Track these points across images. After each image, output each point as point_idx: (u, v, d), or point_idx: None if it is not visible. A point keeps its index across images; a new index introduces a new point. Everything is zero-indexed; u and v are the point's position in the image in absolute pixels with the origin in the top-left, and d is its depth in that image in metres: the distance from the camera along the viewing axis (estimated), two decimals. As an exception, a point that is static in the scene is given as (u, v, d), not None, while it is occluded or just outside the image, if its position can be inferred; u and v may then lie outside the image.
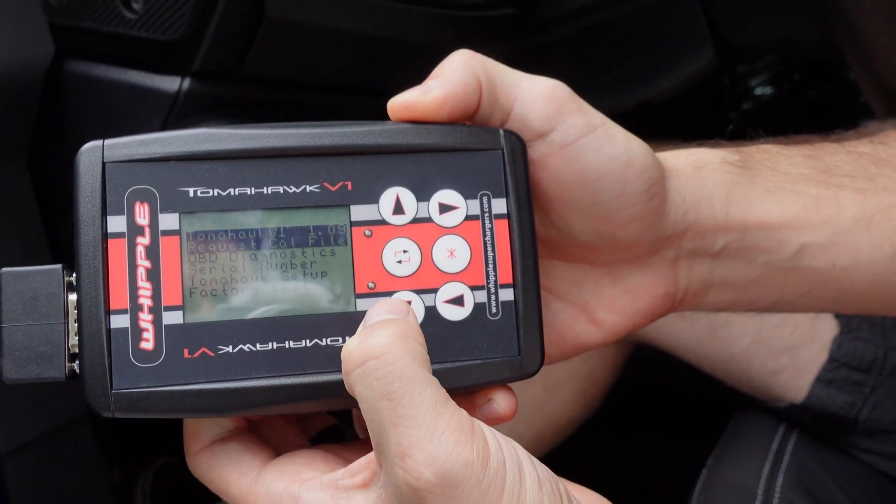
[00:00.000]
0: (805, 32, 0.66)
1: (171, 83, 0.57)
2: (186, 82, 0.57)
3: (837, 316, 0.72)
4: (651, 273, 0.41)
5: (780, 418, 0.75)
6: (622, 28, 0.76)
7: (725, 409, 0.81)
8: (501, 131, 0.38)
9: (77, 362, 0.34)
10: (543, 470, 0.33)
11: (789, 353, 0.73)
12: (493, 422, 0.37)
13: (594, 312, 0.42)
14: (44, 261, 0.63)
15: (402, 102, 0.37)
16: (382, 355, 0.32)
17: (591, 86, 0.81)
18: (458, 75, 0.37)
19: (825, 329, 0.72)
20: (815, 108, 1.17)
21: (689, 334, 0.77)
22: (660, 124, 0.97)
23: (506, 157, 0.37)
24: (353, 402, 0.35)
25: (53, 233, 0.64)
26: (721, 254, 0.41)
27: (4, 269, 0.35)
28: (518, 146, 0.38)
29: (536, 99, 0.38)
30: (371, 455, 0.34)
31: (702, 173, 0.41)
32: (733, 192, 0.41)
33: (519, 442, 0.34)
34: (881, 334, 0.71)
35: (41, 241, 0.64)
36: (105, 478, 0.77)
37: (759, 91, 1.13)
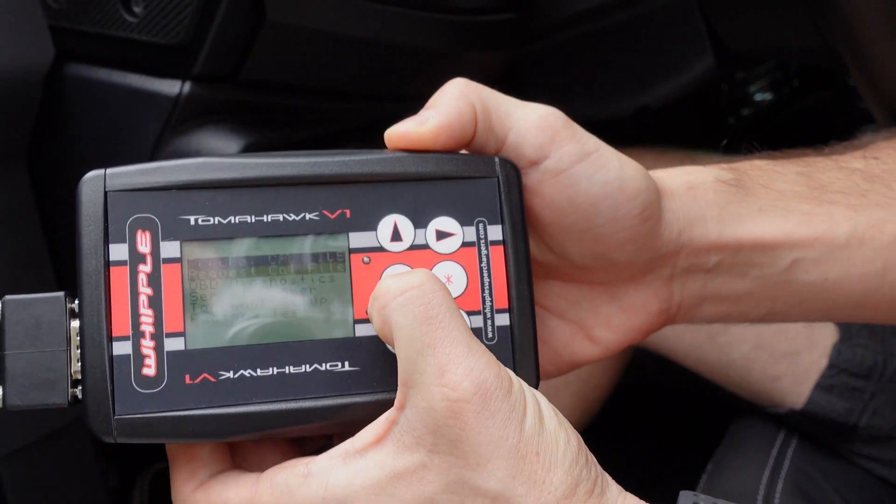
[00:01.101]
0: (805, 39, 0.66)
1: (171, 87, 0.57)
2: (187, 86, 0.57)
3: (837, 322, 0.72)
4: (646, 291, 0.42)
5: (779, 424, 0.75)
6: (622, 33, 0.76)
7: (725, 415, 0.81)
8: (497, 159, 0.38)
9: (79, 388, 0.35)
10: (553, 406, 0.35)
11: (789, 359, 0.73)
12: None
13: (591, 330, 0.42)
14: (42, 265, 0.63)
15: (399, 132, 0.38)
16: (422, 285, 0.34)
17: (589, 91, 0.81)
18: (454, 105, 0.37)
19: (825, 335, 0.72)
20: (814, 114, 1.18)
21: (688, 340, 0.77)
22: (659, 130, 0.97)
23: (501, 185, 0.38)
24: (351, 426, 0.36)
25: (52, 236, 0.64)
26: (714, 269, 0.42)
27: (7, 297, 0.35)
28: (513, 174, 0.38)
29: (530, 128, 0.38)
30: (380, 418, 0.34)
31: (695, 193, 0.42)
32: (726, 212, 0.41)
33: (539, 393, 0.35)
34: (881, 341, 0.71)
35: (40, 245, 0.64)
36: (102, 482, 0.77)
37: (758, 97, 1.13)
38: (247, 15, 0.55)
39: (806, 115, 1.18)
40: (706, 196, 0.42)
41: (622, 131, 0.83)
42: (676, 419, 1.06)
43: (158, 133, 0.58)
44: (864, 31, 0.54)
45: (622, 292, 0.42)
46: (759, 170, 0.44)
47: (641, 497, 0.36)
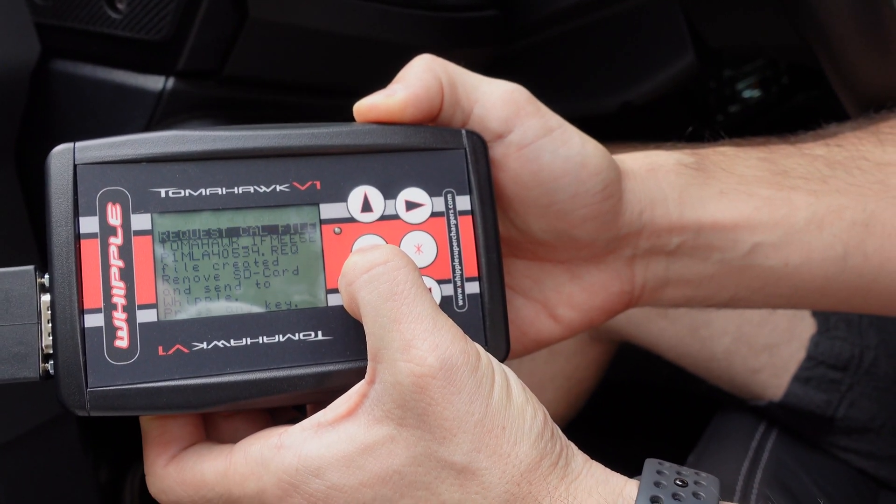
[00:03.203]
0: (783, 37, 0.67)
1: (155, 82, 0.57)
2: (170, 82, 0.57)
3: (815, 315, 0.73)
4: (608, 271, 0.43)
5: (760, 416, 0.76)
6: (604, 31, 0.77)
7: (708, 409, 0.82)
8: (463, 131, 0.39)
9: (51, 363, 0.34)
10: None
11: (769, 352, 0.74)
12: None
13: (554, 308, 0.43)
14: (31, 260, 0.63)
15: (368, 105, 0.38)
16: (387, 262, 0.34)
17: (573, 88, 0.82)
18: (421, 79, 0.38)
19: (804, 328, 0.73)
20: (802, 112, 1.18)
21: (670, 334, 0.78)
22: (647, 127, 0.97)
23: (468, 156, 0.39)
24: (325, 395, 0.36)
25: (41, 231, 0.65)
26: (676, 252, 0.43)
27: None
28: (480, 145, 0.39)
29: (495, 102, 0.39)
30: (350, 391, 0.35)
31: (656, 175, 0.42)
32: (687, 194, 0.42)
33: (507, 368, 0.35)
34: (858, 333, 0.72)
35: (28, 240, 0.64)
36: (92, 477, 0.77)
37: (746, 94, 1.14)
38: (229, 12, 0.56)
39: (795, 114, 1.18)
40: (667, 178, 0.42)
41: (608, 128, 0.84)
42: (660, 413, 1.06)
43: (143, 128, 0.58)
44: (836, 31, 0.55)
45: (584, 271, 0.43)
46: (722, 155, 0.45)
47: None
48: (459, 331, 0.34)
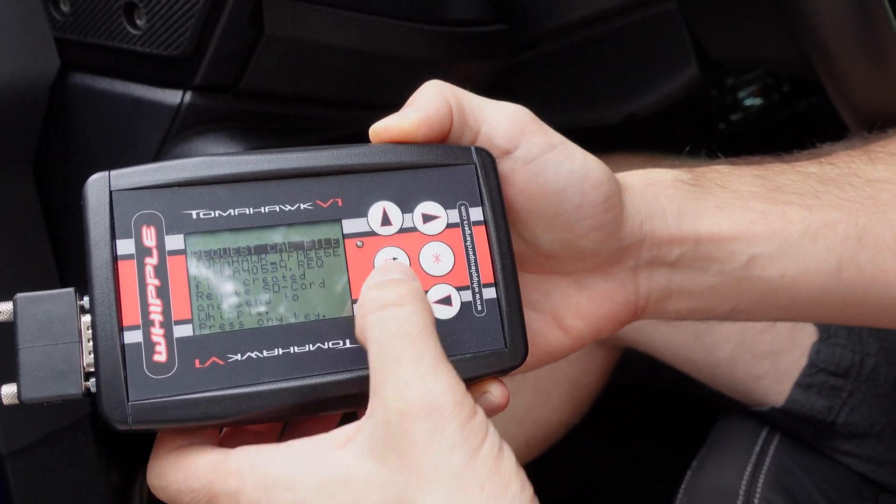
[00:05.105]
0: (784, 51, 0.68)
1: (173, 96, 0.58)
2: (188, 96, 0.58)
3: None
4: (613, 281, 0.44)
5: (762, 421, 0.77)
6: (609, 44, 0.78)
7: (711, 413, 0.83)
8: (473, 148, 0.41)
9: (92, 381, 0.35)
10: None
11: (771, 359, 0.75)
12: (490, 413, 0.39)
13: (563, 319, 0.44)
14: (48, 270, 0.65)
15: (383, 126, 0.40)
16: (403, 304, 0.35)
17: (578, 99, 0.83)
18: (431, 101, 0.40)
19: (805, 335, 0.74)
20: (804, 119, 1.19)
21: (675, 340, 0.79)
22: (649, 136, 0.99)
23: (478, 171, 0.40)
24: (354, 400, 0.37)
25: (58, 242, 0.66)
26: (677, 263, 0.44)
27: (19, 295, 0.36)
28: (488, 160, 0.41)
29: (501, 121, 0.41)
30: (353, 423, 0.35)
31: (655, 189, 0.44)
32: (685, 207, 0.44)
33: (509, 446, 0.35)
34: (858, 341, 0.73)
35: (45, 248, 0.65)
36: (104, 480, 0.78)
37: (748, 102, 1.15)
38: (246, 28, 0.57)
39: (796, 121, 1.19)
40: (665, 192, 0.44)
41: (612, 138, 0.85)
42: (664, 418, 1.07)
43: (160, 141, 0.59)
44: (835, 48, 0.56)
45: (589, 282, 0.44)
46: (717, 172, 0.46)
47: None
48: (460, 383, 0.34)
